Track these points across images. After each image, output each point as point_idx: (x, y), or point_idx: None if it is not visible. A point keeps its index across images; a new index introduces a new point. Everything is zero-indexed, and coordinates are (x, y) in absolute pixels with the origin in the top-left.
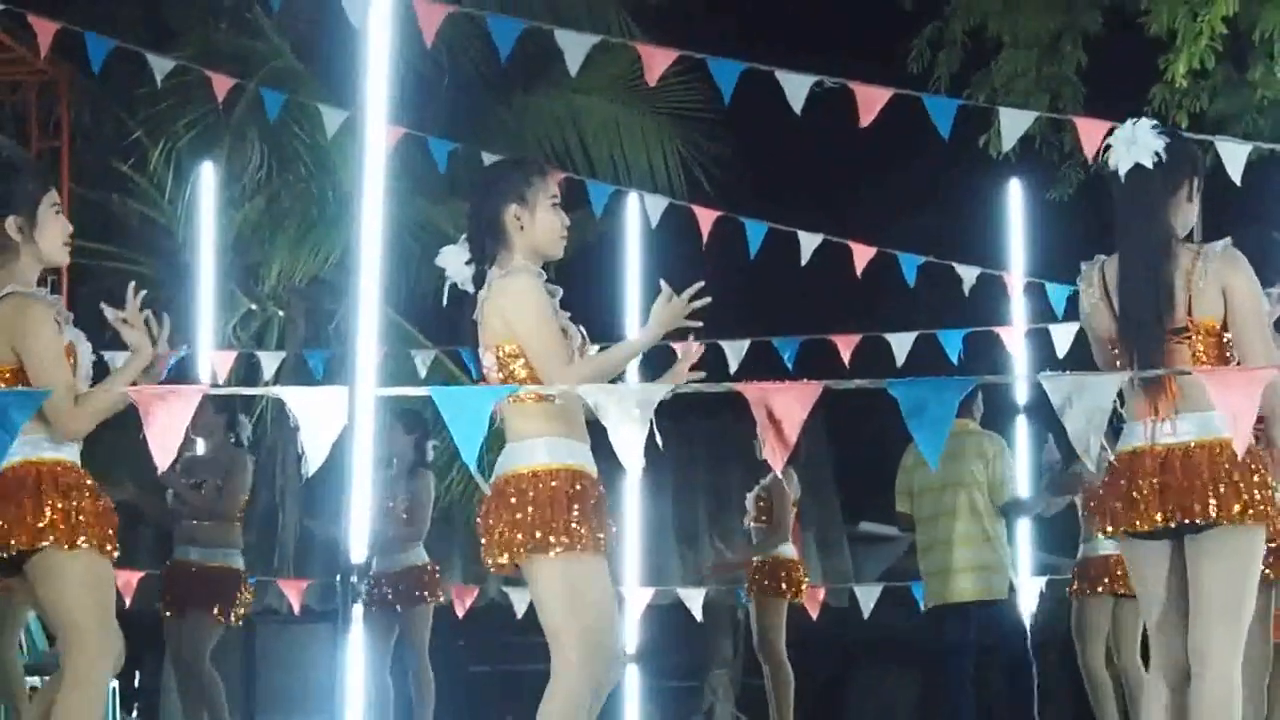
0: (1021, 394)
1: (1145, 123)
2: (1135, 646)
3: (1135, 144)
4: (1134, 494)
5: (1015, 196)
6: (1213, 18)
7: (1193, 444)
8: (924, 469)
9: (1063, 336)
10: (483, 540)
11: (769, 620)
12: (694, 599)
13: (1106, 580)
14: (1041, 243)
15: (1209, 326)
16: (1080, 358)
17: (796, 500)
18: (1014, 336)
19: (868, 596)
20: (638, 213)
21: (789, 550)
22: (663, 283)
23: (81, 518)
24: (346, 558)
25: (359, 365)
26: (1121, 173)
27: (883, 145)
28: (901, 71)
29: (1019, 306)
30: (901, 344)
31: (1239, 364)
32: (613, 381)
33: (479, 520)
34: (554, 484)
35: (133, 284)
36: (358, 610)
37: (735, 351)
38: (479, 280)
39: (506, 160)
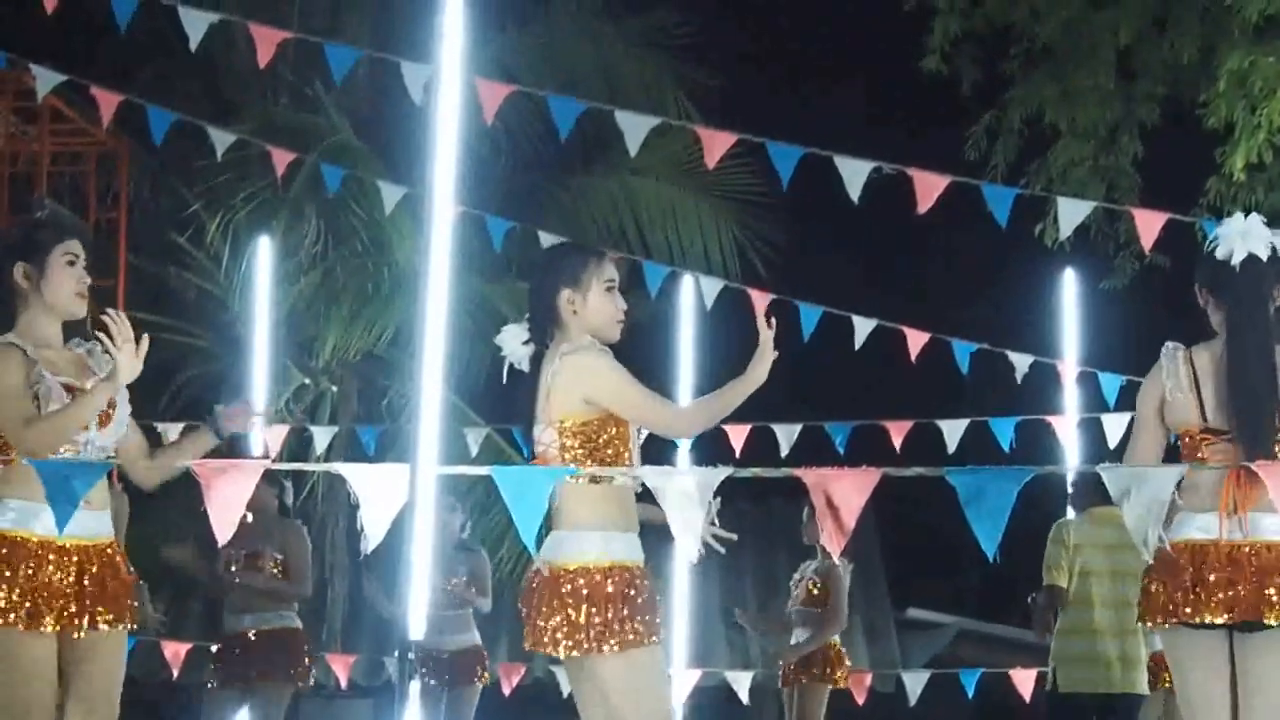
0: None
1: (1255, 217)
2: None
3: (1250, 235)
4: (1199, 587)
5: (1069, 285)
6: (1271, 111)
7: (1267, 542)
8: (1092, 551)
9: (1115, 426)
10: (528, 628)
11: (809, 706)
12: (741, 681)
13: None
14: (1095, 332)
15: None
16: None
17: (849, 589)
18: (1066, 426)
19: (915, 683)
20: (692, 294)
21: (834, 635)
22: (771, 320)
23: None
24: (404, 634)
25: (421, 442)
26: (1235, 262)
27: (938, 232)
28: (958, 159)
29: (1072, 396)
30: (953, 431)
31: None
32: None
33: (524, 604)
34: (609, 583)
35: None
36: (414, 686)
37: (787, 435)
38: (536, 360)
39: (566, 244)
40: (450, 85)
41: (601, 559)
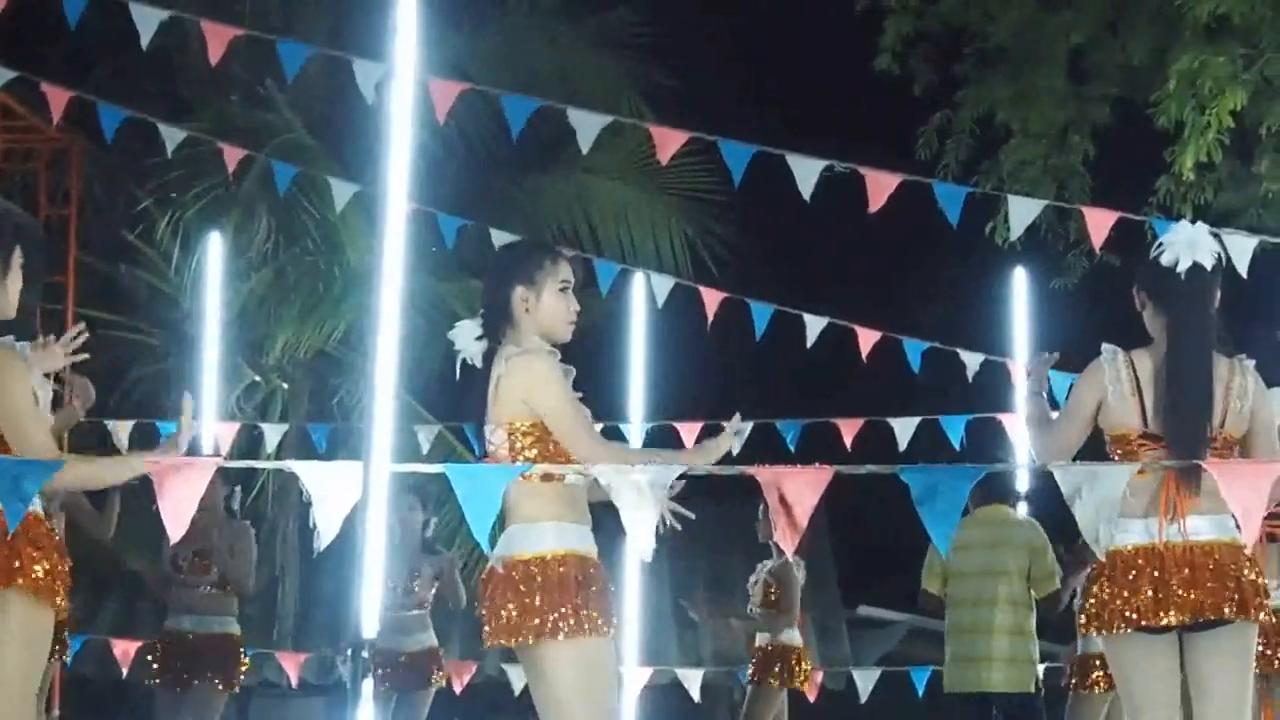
0: (1023, 482)
1: (1202, 226)
2: None
3: (1196, 245)
4: (1145, 591)
5: (1020, 284)
6: (1220, 111)
7: (1212, 543)
8: (963, 553)
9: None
10: (486, 623)
11: (760, 707)
12: (692, 679)
13: (1105, 676)
14: (1045, 331)
15: (1230, 440)
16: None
17: (801, 586)
18: (1016, 423)
19: (866, 680)
20: (644, 293)
21: (795, 637)
22: (736, 418)
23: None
24: (357, 632)
25: (374, 441)
26: (1181, 270)
27: (890, 231)
28: (910, 159)
29: (1022, 394)
30: (904, 429)
31: None
32: None
33: (480, 602)
34: (562, 570)
35: (187, 397)
36: (368, 685)
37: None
38: (488, 357)
39: (521, 242)
40: (403, 84)
41: (556, 548)
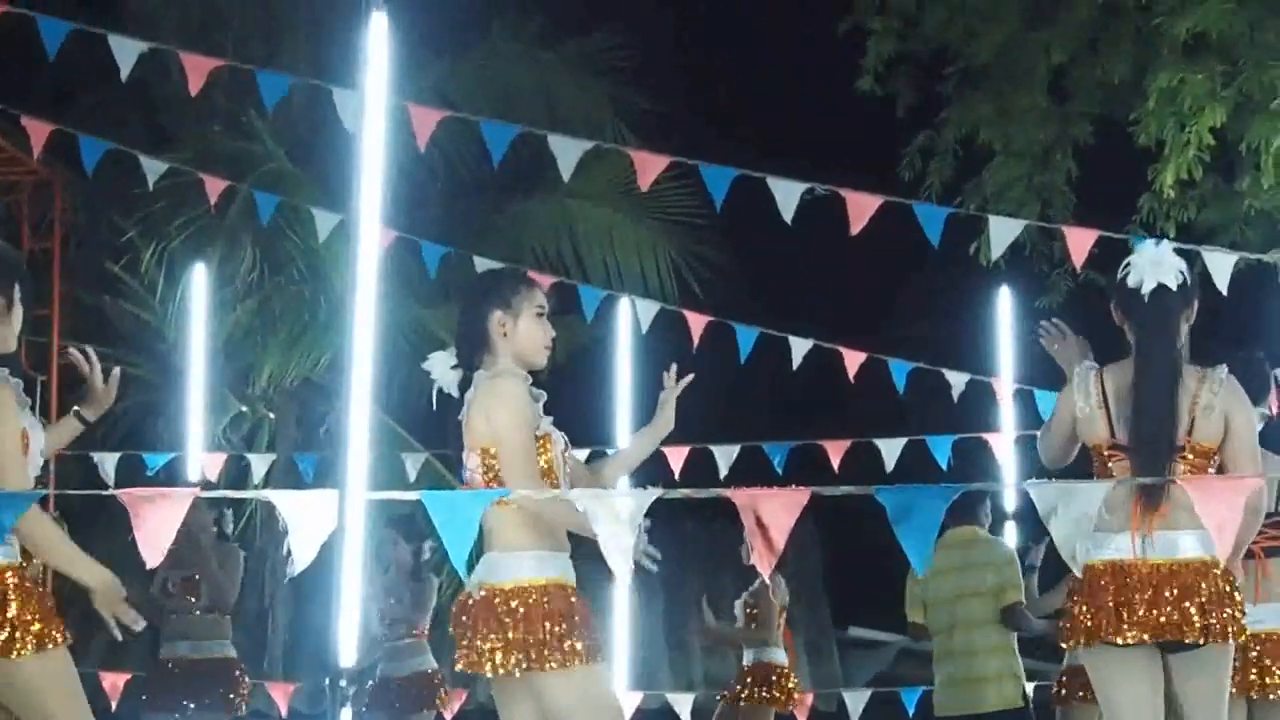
0: (1010, 501)
1: (1166, 244)
2: None
3: (1160, 264)
4: (1120, 606)
5: (1005, 304)
6: (1200, 128)
7: (1183, 560)
8: (938, 579)
9: None
10: (463, 648)
11: None
12: (683, 703)
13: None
14: (1030, 350)
15: (1204, 449)
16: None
17: (784, 607)
18: (1002, 443)
19: (856, 702)
20: (629, 317)
21: (779, 656)
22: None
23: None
24: (336, 661)
25: (350, 468)
26: (1145, 291)
27: (874, 252)
28: (894, 179)
29: (1008, 413)
30: (891, 450)
31: None
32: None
33: (456, 627)
34: (545, 601)
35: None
36: (346, 714)
37: (725, 456)
38: (464, 385)
39: (496, 269)
40: (376, 110)
41: (537, 578)
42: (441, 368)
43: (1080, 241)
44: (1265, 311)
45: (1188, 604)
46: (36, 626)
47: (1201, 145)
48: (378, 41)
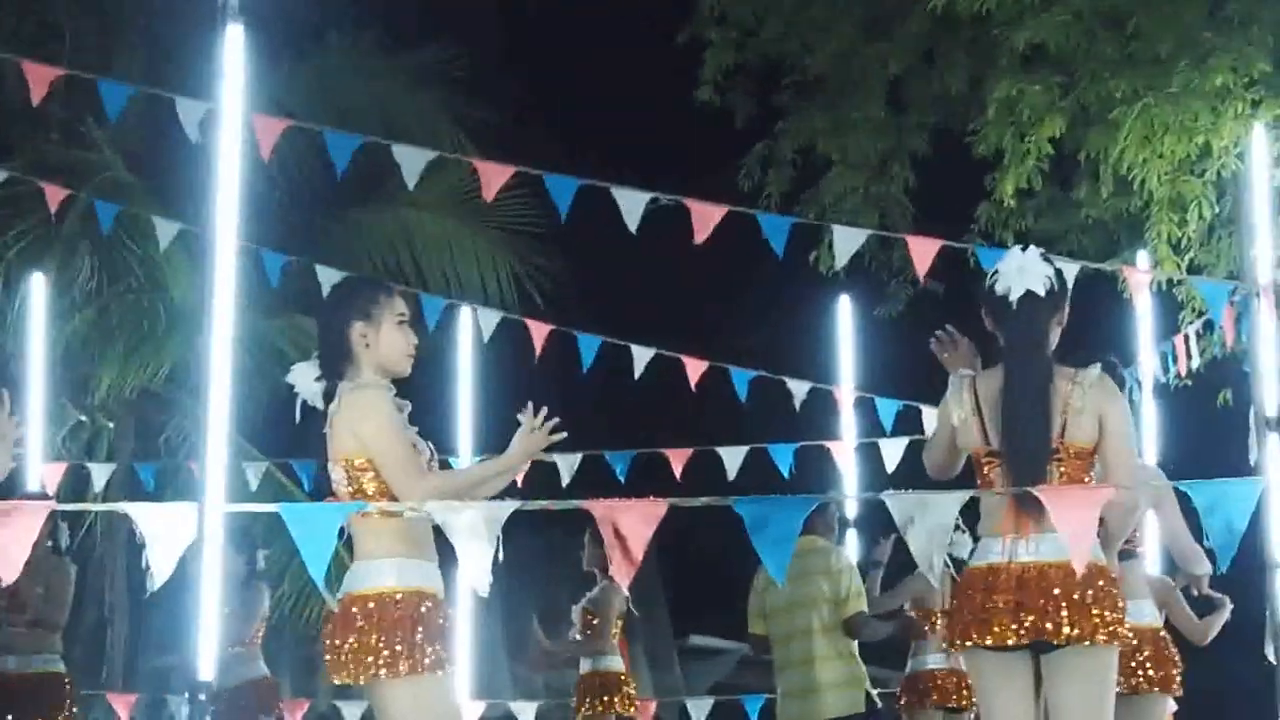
0: (851, 509)
1: (1034, 251)
2: None
3: (1027, 271)
4: (989, 609)
5: (845, 313)
6: (1039, 138)
7: (1049, 564)
8: (774, 589)
9: (892, 451)
10: (327, 658)
11: None
12: (525, 712)
13: (935, 695)
14: (871, 358)
15: (1079, 449)
16: (908, 473)
17: (622, 613)
18: (844, 451)
19: (699, 710)
20: (470, 327)
21: (616, 663)
22: (529, 407)
23: None
24: (193, 675)
25: (209, 480)
26: (1013, 298)
27: (715, 261)
28: (733, 189)
29: (849, 421)
30: (733, 458)
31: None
32: None
33: (324, 638)
34: (400, 608)
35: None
36: None
37: (568, 465)
38: (328, 396)
39: (353, 278)
40: (231, 122)
41: (396, 586)
42: (305, 379)
43: (924, 251)
44: (1106, 319)
45: (1054, 606)
46: None
47: (1040, 155)
48: (234, 53)
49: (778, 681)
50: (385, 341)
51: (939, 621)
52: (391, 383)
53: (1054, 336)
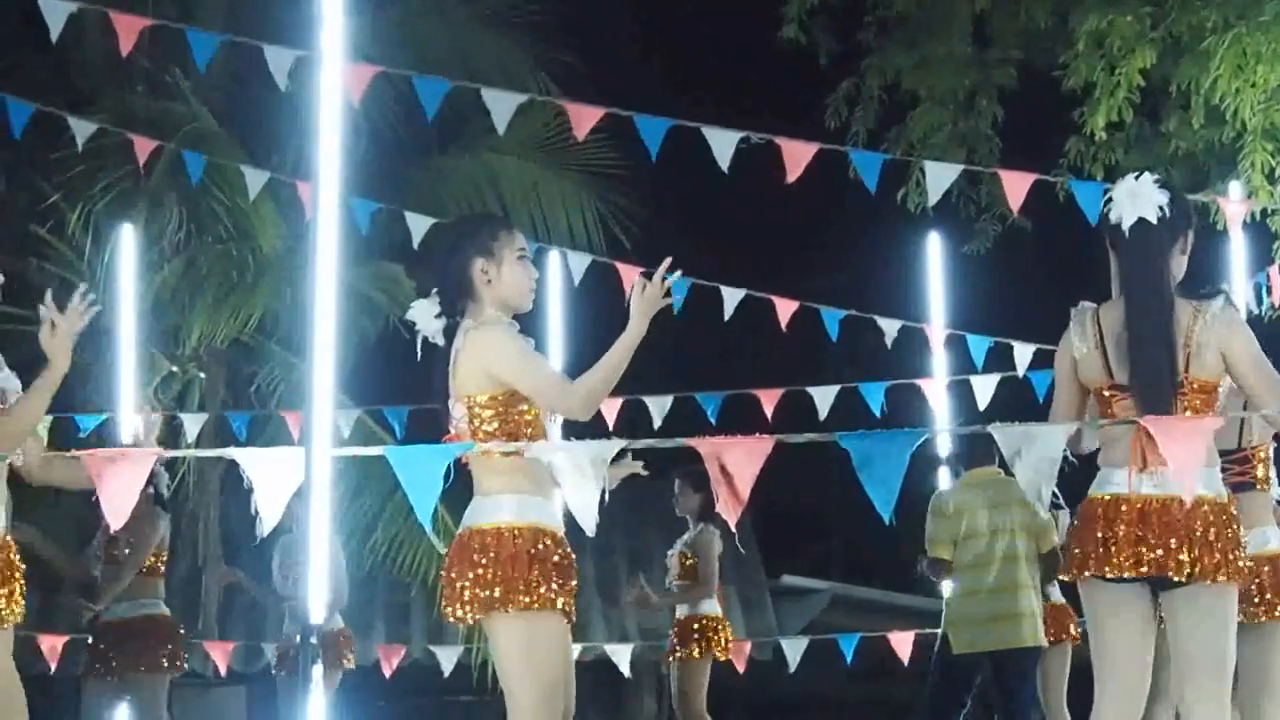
0: (944, 446)
1: (1147, 177)
2: (1063, 693)
3: (1139, 197)
4: (1108, 540)
5: (934, 250)
6: (1130, 70)
7: (1172, 497)
8: (972, 514)
9: (983, 388)
10: (445, 591)
11: (690, 680)
12: (621, 655)
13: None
14: (961, 295)
15: (1204, 384)
16: (1000, 410)
17: (720, 555)
18: (935, 389)
19: (794, 650)
20: (560, 270)
21: (714, 607)
22: (638, 277)
23: None
24: (305, 618)
25: (315, 426)
26: (1125, 226)
27: (803, 200)
28: (819, 128)
29: (940, 359)
30: (824, 398)
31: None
32: (566, 438)
33: (444, 571)
34: (518, 542)
35: (82, 288)
36: (317, 670)
37: (659, 407)
38: (449, 333)
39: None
40: (330, 69)
41: (515, 521)
42: (426, 316)
43: (1015, 185)
44: (1198, 251)
45: (1176, 541)
46: None
47: (1131, 87)
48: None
49: (961, 606)
50: (507, 277)
51: None
52: (519, 317)
53: (1176, 266)
